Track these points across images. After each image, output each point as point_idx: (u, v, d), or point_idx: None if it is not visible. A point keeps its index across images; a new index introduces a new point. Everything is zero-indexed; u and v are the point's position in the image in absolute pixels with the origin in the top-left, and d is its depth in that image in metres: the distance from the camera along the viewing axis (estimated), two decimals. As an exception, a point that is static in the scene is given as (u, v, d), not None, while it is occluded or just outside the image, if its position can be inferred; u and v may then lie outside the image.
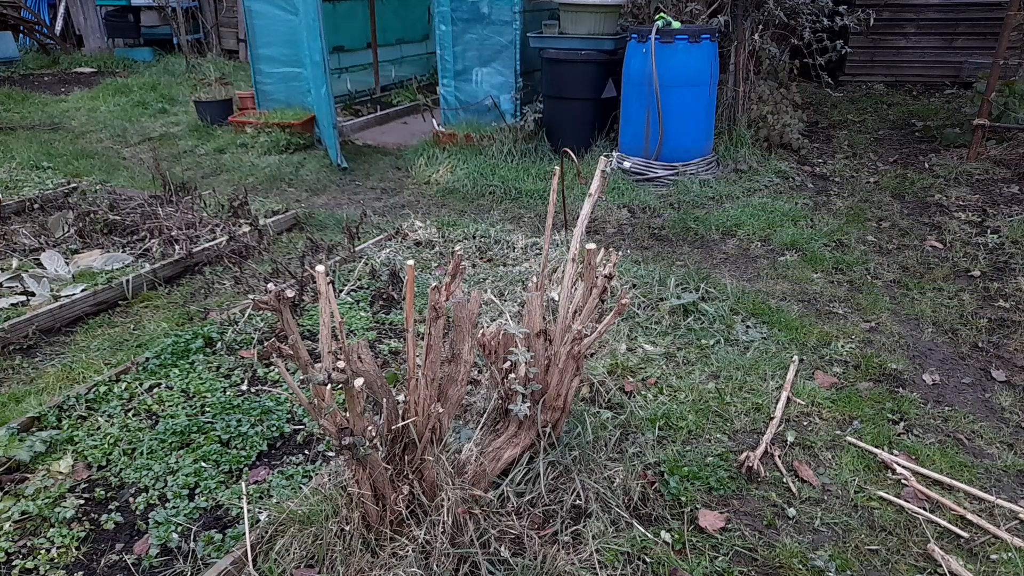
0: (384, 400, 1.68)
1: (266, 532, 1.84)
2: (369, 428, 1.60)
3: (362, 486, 1.70)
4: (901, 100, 7.20)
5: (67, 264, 3.70)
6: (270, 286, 1.54)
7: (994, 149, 5.23)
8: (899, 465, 2.21)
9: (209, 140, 6.35)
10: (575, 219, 1.99)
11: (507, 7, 5.47)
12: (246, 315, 3.09)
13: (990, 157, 5.10)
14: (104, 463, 2.25)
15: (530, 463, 2.06)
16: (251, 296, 3.32)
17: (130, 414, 2.48)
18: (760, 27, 5.28)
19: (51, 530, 1.97)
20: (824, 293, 3.39)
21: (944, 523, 1.98)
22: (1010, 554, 1.87)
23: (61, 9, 11.64)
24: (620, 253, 2.10)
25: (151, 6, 10.87)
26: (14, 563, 1.86)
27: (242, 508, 1.98)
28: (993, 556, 1.88)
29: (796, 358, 2.80)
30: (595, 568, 1.80)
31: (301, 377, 1.57)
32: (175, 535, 1.94)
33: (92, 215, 4.09)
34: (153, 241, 3.93)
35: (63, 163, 5.67)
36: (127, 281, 3.41)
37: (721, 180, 4.91)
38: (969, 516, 2.00)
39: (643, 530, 1.94)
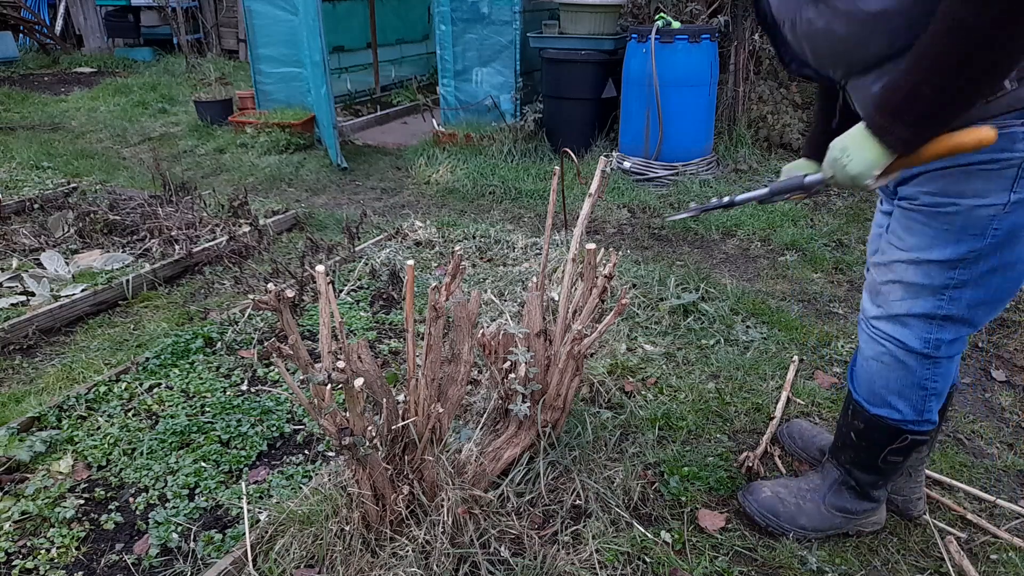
0: (384, 400, 1.68)
1: (266, 532, 1.84)
2: (369, 428, 1.60)
3: (362, 486, 1.70)
4: (901, 100, 7.19)
5: (67, 264, 3.71)
6: (270, 286, 1.54)
7: (994, 149, 5.22)
8: (899, 465, 2.21)
9: (209, 140, 6.36)
10: (575, 219, 1.99)
11: (507, 7, 5.47)
12: (246, 315, 3.09)
13: (990, 157, 5.09)
14: (104, 463, 2.25)
15: (530, 463, 2.06)
16: (251, 296, 3.32)
17: (130, 414, 2.48)
18: (760, 27, 5.28)
19: (51, 530, 1.97)
20: (824, 293, 3.39)
21: (943, 524, 1.98)
22: (1010, 554, 1.87)
23: (61, 9, 11.64)
24: (620, 253, 2.10)
25: (151, 6, 10.87)
26: (14, 563, 1.86)
27: (242, 508, 1.98)
28: (993, 556, 1.88)
29: (796, 358, 2.80)
30: (595, 568, 1.80)
31: (301, 377, 1.57)
32: (175, 535, 1.94)
33: (92, 215, 4.09)
34: (153, 241, 3.93)
35: (63, 163, 5.67)
36: (127, 281, 3.41)
37: (721, 180, 4.91)
38: (969, 516, 2.00)
39: (643, 530, 1.94)
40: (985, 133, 1.30)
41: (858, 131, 1.38)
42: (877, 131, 1.34)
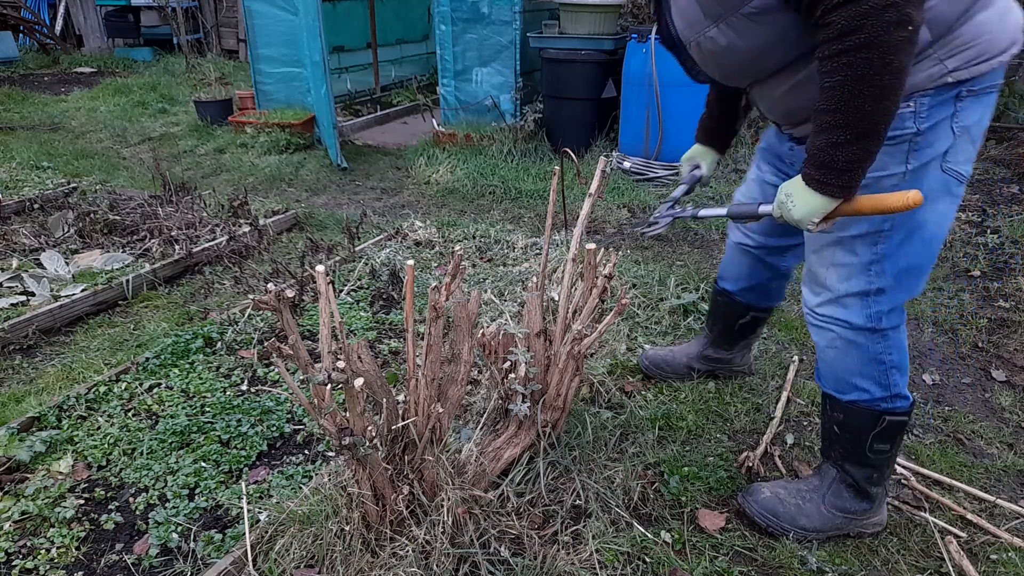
0: (384, 400, 1.68)
1: (266, 532, 1.84)
2: (369, 428, 1.60)
3: (362, 486, 1.70)
4: (901, 100, 7.19)
5: (67, 264, 3.71)
6: (270, 286, 1.54)
7: (994, 149, 5.23)
8: (899, 465, 2.21)
9: (209, 140, 6.35)
10: (575, 219, 1.99)
11: (507, 7, 5.47)
12: (246, 315, 3.09)
13: (990, 157, 5.10)
14: (104, 463, 2.25)
15: (530, 463, 2.06)
16: (251, 296, 3.32)
17: (130, 414, 2.48)
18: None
19: (51, 530, 1.97)
20: (824, 293, 3.38)
21: (944, 523, 1.98)
22: (1010, 554, 1.87)
23: (61, 9, 11.64)
24: (620, 253, 2.10)
25: (151, 6, 10.87)
26: (14, 563, 1.86)
27: (242, 508, 1.98)
28: (993, 556, 1.88)
29: (796, 358, 2.80)
30: (595, 568, 1.80)
31: (301, 377, 1.57)
32: (175, 535, 1.94)
33: (92, 215, 4.08)
34: (153, 241, 3.93)
35: (63, 163, 5.67)
36: (127, 281, 3.41)
37: (721, 180, 4.91)
38: (969, 516, 2.00)
39: (643, 530, 1.94)
40: (913, 196, 1.46)
41: (799, 182, 1.54)
42: (816, 186, 1.50)
